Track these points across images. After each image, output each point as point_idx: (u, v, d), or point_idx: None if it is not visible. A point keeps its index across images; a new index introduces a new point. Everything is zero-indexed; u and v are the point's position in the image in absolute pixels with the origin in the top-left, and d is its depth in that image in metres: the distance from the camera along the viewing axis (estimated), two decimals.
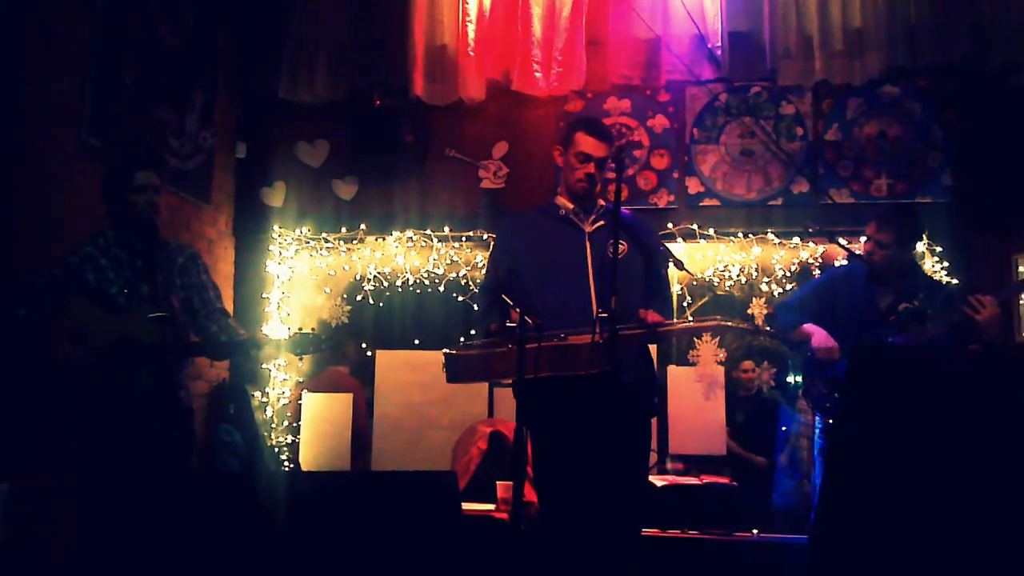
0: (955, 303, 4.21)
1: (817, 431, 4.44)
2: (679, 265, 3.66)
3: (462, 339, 3.75)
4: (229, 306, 6.69)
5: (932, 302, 4.22)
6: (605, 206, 3.77)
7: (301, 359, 4.27)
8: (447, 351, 3.52)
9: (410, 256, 6.56)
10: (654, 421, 4.29)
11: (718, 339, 6.10)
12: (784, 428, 5.90)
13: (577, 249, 3.65)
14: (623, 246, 3.64)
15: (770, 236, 6.25)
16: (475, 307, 6.22)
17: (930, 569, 2.69)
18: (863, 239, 4.41)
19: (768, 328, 3.77)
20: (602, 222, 3.71)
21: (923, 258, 5.99)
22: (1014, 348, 5.76)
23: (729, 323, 3.80)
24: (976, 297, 4.04)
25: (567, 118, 6.60)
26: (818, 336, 4.18)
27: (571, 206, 3.76)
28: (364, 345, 6.57)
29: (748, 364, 6.30)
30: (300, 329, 4.05)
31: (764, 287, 6.21)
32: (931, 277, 5.10)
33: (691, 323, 4.25)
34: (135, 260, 3.86)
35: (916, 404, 2.94)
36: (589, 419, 3.42)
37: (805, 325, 4.27)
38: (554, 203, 3.83)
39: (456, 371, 3.52)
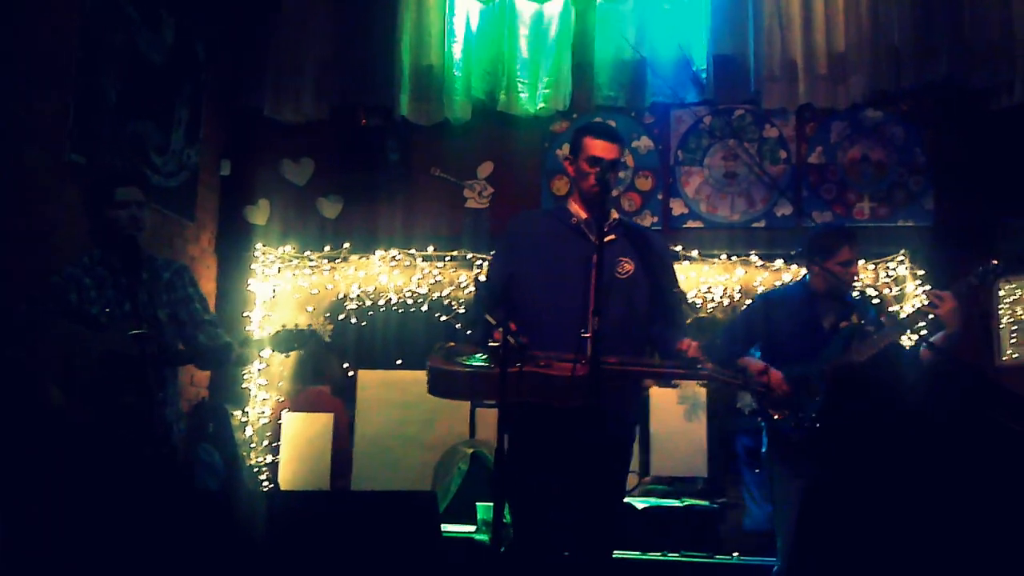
0: (881, 320, 4.36)
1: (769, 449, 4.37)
2: (683, 299, 3.62)
3: (451, 344, 3.62)
4: None
5: (867, 318, 4.26)
6: (618, 219, 3.68)
7: (287, 355, 4.24)
8: (431, 363, 3.42)
9: (393, 275, 6.55)
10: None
11: None
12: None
13: (583, 262, 3.45)
14: (629, 265, 3.57)
15: (753, 258, 6.26)
16: (457, 325, 6.24)
17: None
18: (834, 263, 4.30)
19: (756, 381, 3.65)
20: (613, 236, 3.58)
21: (905, 281, 6.02)
22: (994, 372, 5.78)
23: (722, 377, 3.55)
24: (935, 292, 4.15)
25: (552, 139, 6.63)
26: (754, 365, 4.12)
27: (584, 215, 3.62)
28: (346, 365, 6.55)
29: None
30: (284, 325, 4.01)
31: None
32: (860, 296, 5.14)
33: (683, 371, 3.63)
34: (119, 279, 3.82)
35: (894, 423, 2.95)
36: (565, 447, 3.36)
37: (741, 359, 4.21)
38: (567, 208, 3.70)
39: (438, 384, 3.44)
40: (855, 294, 4.85)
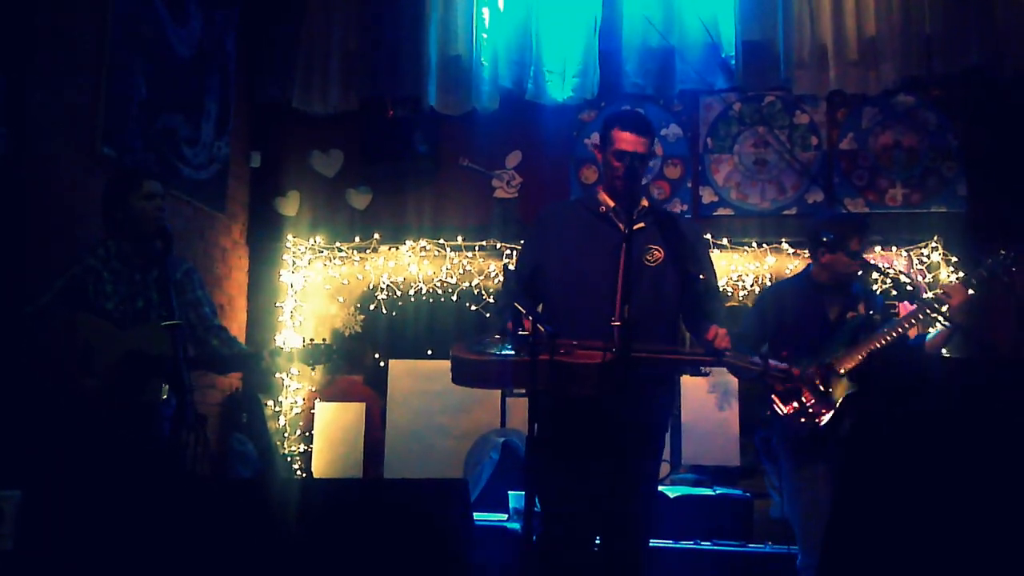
0: (887, 309, 4.38)
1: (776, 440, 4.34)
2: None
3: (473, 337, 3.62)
4: (242, 315, 6.71)
5: (875, 309, 4.22)
6: (648, 206, 3.63)
7: (314, 369, 4.27)
8: (454, 352, 3.44)
9: (423, 266, 6.57)
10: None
11: None
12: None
13: (611, 250, 3.44)
14: (659, 253, 3.53)
15: (784, 246, 6.23)
16: (488, 315, 6.25)
17: None
18: (842, 254, 4.17)
19: (776, 372, 3.56)
20: (642, 224, 3.53)
21: (938, 267, 5.96)
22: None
23: (739, 362, 3.49)
24: (944, 287, 4.16)
25: (580, 128, 6.61)
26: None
27: (612, 203, 3.59)
28: (377, 356, 6.58)
29: None
30: (311, 340, 4.03)
31: None
32: (867, 286, 5.07)
33: (698, 356, 3.65)
34: (134, 274, 3.86)
35: (933, 422, 2.92)
36: (595, 437, 3.33)
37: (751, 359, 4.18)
38: (595, 197, 3.67)
39: (461, 373, 3.45)
40: (865, 283, 4.80)
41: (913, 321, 4.16)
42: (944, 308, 4.02)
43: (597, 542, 3.52)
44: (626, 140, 3.54)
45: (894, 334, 4.10)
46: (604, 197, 3.64)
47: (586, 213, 3.66)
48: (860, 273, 4.37)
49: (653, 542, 3.82)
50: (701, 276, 3.58)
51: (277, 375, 6.39)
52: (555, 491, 3.49)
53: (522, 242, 3.95)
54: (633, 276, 3.25)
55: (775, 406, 4.08)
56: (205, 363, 4.12)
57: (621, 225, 3.48)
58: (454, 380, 3.47)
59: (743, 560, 4.84)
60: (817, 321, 4.21)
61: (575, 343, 3.29)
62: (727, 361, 3.44)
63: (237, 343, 4.14)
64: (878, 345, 4.07)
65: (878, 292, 5.00)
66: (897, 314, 4.27)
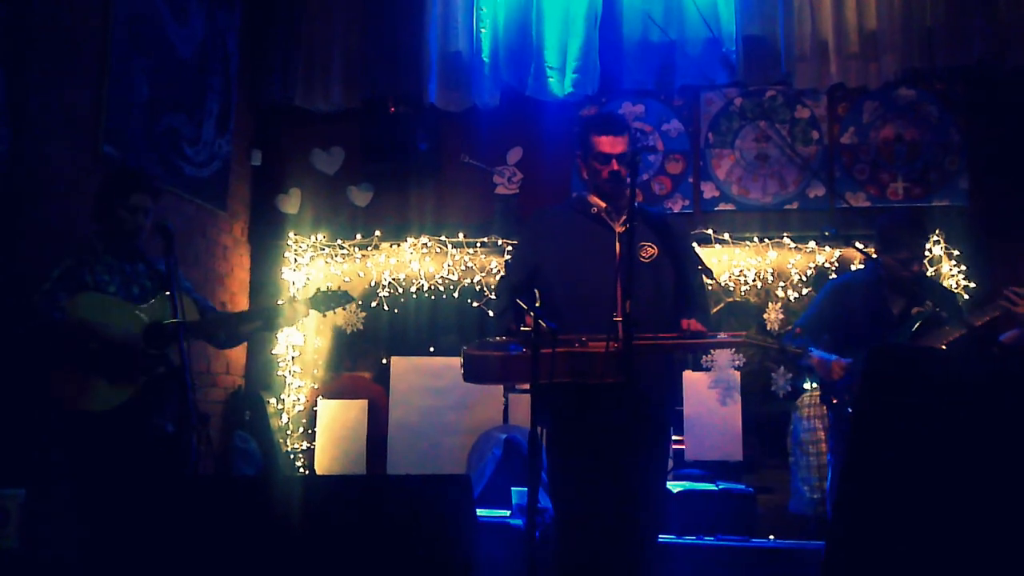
0: (962, 309, 4.30)
1: (829, 432, 4.40)
2: (708, 274, 3.63)
3: (481, 338, 3.66)
4: None
5: (943, 307, 4.22)
6: (636, 205, 3.64)
7: (325, 315, 4.34)
8: (466, 349, 3.47)
9: (425, 262, 6.57)
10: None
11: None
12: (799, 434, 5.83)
13: (606, 250, 3.56)
14: (652, 249, 3.60)
15: (786, 240, 6.23)
16: (490, 313, 6.25)
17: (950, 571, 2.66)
18: (894, 257, 4.25)
19: (793, 348, 3.65)
20: (633, 222, 3.58)
21: (940, 261, 5.95)
22: None
23: (757, 340, 3.63)
24: (1014, 289, 4.04)
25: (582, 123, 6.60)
26: (821, 365, 4.18)
27: (603, 205, 3.67)
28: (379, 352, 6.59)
29: None
30: (318, 288, 4.11)
31: (780, 292, 6.18)
32: (938, 282, 5.08)
33: (719, 338, 3.91)
34: (124, 265, 3.98)
35: (938, 407, 2.90)
36: (603, 427, 3.38)
37: (812, 353, 4.22)
38: (587, 200, 3.73)
39: (474, 371, 3.48)
40: (936, 280, 4.79)
41: (985, 319, 4.13)
42: (1012, 311, 4.01)
43: (603, 538, 3.53)
44: (604, 143, 3.62)
45: (962, 331, 4.08)
46: (595, 199, 3.71)
47: (578, 216, 3.71)
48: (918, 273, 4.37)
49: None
50: (699, 267, 3.66)
51: (279, 363, 6.44)
52: (562, 487, 3.52)
53: (512, 248, 3.98)
54: (632, 273, 3.28)
55: (829, 398, 4.16)
56: (221, 323, 4.23)
57: (612, 224, 3.61)
58: (466, 378, 3.51)
59: (746, 555, 4.84)
60: (880, 315, 4.25)
61: (584, 338, 3.33)
62: (746, 341, 3.56)
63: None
64: (946, 342, 4.06)
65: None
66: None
